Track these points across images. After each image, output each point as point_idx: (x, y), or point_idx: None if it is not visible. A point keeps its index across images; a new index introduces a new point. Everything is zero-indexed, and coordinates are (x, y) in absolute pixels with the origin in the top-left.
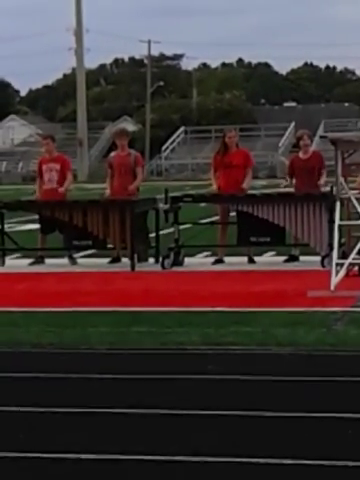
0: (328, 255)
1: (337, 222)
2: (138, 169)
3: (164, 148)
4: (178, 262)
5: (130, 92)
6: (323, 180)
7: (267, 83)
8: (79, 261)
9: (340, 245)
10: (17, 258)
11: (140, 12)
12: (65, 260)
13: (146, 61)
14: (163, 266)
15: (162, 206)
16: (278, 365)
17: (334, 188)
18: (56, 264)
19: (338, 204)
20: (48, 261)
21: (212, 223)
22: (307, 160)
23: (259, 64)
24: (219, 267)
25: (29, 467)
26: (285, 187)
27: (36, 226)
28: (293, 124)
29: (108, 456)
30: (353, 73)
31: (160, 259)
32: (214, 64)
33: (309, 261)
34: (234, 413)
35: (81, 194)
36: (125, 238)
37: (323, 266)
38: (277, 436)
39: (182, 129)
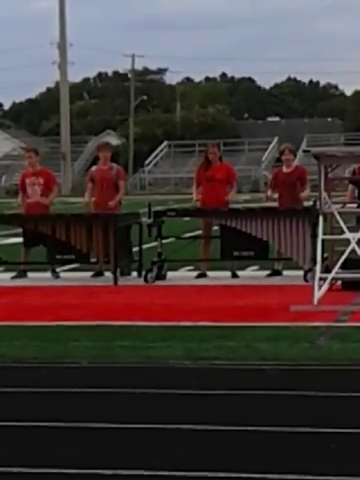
0: (311, 270)
1: (320, 236)
2: (120, 183)
3: (147, 162)
4: (161, 276)
5: (114, 106)
6: (306, 193)
7: (250, 98)
8: (62, 275)
9: (323, 259)
10: None
11: (124, 26)
12: (48, 274)
13: (130, 75)
14: (146, 280)
15: (145, 220)
16: (261, 380)
17: (317, 202)
18: (39, 278)
19: (321, 218)
20: (31, 275)
21: (195, 237)
22: (290, 174)
23: (242, 79)
24: (202, 281)
25: None
26: (267, 199)
27: (19, 240)
28: (276, 139)
29: (92, 471)
30: (336, 88)
31: (143, 273)
32: (198, 78)
33: (292, 276)
34: (217, 428)
35: (64, 208)
36: (108, 252)
37: (306, 281)
38: (260, 451)
39: (165, 143)
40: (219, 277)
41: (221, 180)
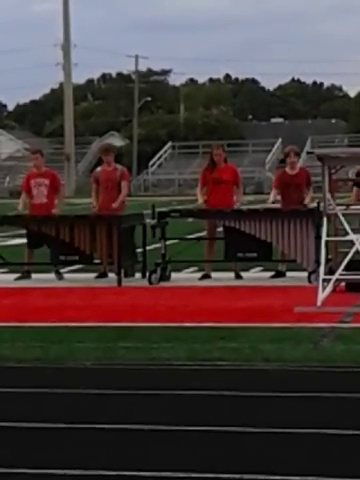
0: (315, 271)
1: (324, 238)
2: (123, 183)
3: (151, 163)
4: (165, 277)
5: (117, 107)
6: (309, 199)
7: (254, 99)
8: (66, 276)
9: (327, 261)
10: (3, 273)
11: (128, 27)
12: (52, 275)
13: (134, 76)
14: (150, 281)
15: (149, 221)
16: (265, 381)
17: (321, 204)
18: (43, 279)
19: (325, 220)
20: (34, 276)
21: (199, 238)
22: (294, 176)
23: (246, 80)
24: (206, 282)
25: None
26: (273, 202)
27: (23, 241)
28: (280, 140)
29: (95, 472)
30: (340, 89)
31: (147, 274)
32: (201, 80)
33: (296, 277)
34: (220, 429)
35: (68, 209)
36: (112, 253)
37: (310, 282)
38: (264, 452)
39: (169, 144)
40: (223, 278)
41: (227, 181)
